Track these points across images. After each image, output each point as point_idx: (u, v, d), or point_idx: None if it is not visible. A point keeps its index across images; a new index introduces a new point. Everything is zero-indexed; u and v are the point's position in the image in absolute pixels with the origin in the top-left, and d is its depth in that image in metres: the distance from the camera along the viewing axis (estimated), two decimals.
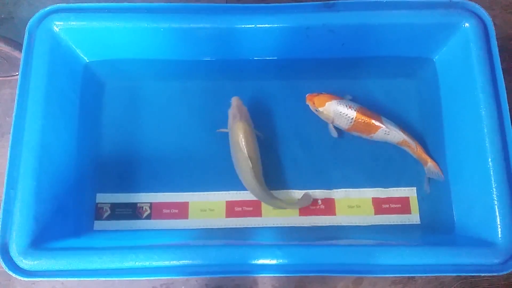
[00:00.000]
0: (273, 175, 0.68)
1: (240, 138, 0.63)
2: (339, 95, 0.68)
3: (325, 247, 0.55)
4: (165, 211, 0.67)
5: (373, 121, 0.65)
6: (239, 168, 0.64)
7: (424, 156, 0.66)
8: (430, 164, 0.66)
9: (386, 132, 0.65)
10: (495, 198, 0.55)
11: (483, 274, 0.58)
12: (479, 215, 0.58)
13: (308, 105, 0.69)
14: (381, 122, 0.65)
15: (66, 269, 0.53)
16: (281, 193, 0.68)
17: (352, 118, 0.65)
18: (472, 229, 0.59)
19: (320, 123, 0.69)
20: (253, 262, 0.53)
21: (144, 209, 0.67)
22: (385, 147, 0.69)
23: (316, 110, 0.68)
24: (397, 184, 0.68)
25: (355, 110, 0.65)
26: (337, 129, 0.69)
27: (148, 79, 0.73)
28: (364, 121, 0.65)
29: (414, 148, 0.66)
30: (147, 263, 0.53)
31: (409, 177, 0.69)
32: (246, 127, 0.63)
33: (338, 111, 0.66)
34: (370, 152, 0.70)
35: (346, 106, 0.66)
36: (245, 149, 0.62)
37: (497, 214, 0.55)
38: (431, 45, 0.67)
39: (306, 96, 0.68)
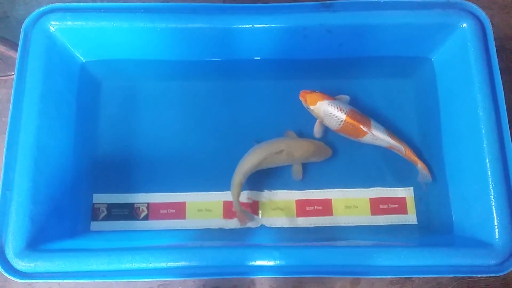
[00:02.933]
0: (271, 175, 0.68)
1: (286, 144, 0.64)
2: (337, 95, 0.68)
3: (323, 248, 0.55)
4: (162, 211, 0.67)
5: (362, 126, 0.65)
6: (249, 154, 0.64)
7: (414, 158, 0.66)
8: (420, 166, 0.66)
9: (373, 138, 0.66)
10: (493, 199, 0.55)
11: (480, 275, 0.58)
12: (476, 216, 0.58)
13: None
14: (369, 128, 0.65)
15: (63, 270, 0.53)
16: (278, 194, 0.68)
17: (341, 121, 0.65)
18: (469, 230, 0.59)
19: None
20: (250, 263, 0.53)
21: (141, 210, 0.67)
22: (382, 147, 0.69)
23: (307, 108, 0.68)
24: (394, 184, 0.68)
25: (345, 113, 0.65)
26: (327, 129, 0.69)
27: (145, 79, 0.73)
28: (353, 125, 0.65)
29: (402, 153, 0.66)
30: (144, 264, 0.53)
31: (406, 177, 0.69)
32: (303, 151, 0.65)
33: (328, 112, 0.66)
34: (367, 152, 0.70)
35: (337, 108, 0.65)
36: (274, 147, 0.63)
37: (495, 215, 0.55)
38: (429, 45, 0.67)
39: (300, 92, 0.68)
